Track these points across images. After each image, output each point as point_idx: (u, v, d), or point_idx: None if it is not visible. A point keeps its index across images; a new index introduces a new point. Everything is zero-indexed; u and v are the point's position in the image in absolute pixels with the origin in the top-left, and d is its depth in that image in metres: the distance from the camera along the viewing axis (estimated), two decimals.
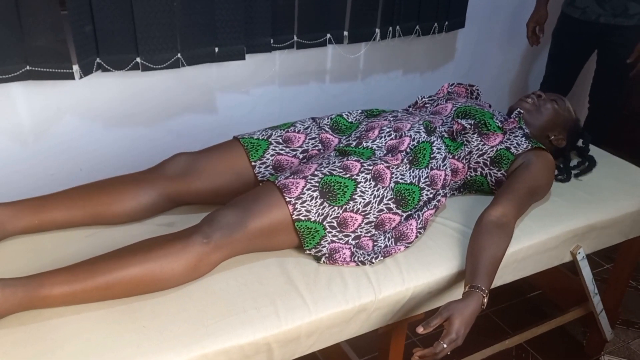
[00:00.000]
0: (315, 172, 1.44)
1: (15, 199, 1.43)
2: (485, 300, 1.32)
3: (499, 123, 1.71)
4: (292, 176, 1.43)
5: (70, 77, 1.67)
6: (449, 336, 1.24)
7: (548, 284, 2.30)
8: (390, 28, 2.28)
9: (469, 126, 1.68)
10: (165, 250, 1.27)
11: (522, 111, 1.80)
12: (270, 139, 1.61)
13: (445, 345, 1.23)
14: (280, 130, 1.64)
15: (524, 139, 1.70)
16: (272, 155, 1.59)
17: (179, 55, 1.83)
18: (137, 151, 2.02)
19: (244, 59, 1.97)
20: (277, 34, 2.04)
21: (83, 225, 1.47)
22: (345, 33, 2.20)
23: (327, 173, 1.44)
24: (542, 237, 1.61)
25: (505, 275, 1.60)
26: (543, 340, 2.12)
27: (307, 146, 1.63)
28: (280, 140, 1.61)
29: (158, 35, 1.77)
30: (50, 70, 1.65)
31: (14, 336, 1.16)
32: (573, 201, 1.75)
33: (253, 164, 1.58)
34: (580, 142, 2.01)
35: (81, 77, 1.69)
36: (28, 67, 1.63)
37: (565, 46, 2.75)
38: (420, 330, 1.24)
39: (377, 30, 2.26)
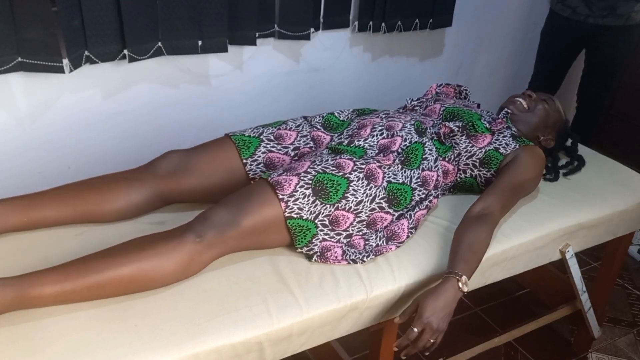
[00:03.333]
0: (308, 170, 1.43)
1: (3, 197, 1.41)
2: (460, 284, 1.33)
3: (487, 124, 1.72)
4: (285, 173, 1.43)
5: (60, 70, 1.66)
6: (419, 320, 1.27)
7: (536, 283, 2.32)
8: (371, 22, 2.29)
9: (457, 129, 1.69)
10: (157, 249, 1.27)
11: (509, 111, 1.81)
12: (261, 136, 1.61)
13: (415, 330, 1.26)
14: (272, 127, 1.64)
15: (511, 139, 1.71)
16: (263, 153, 1.59)
17: (159, 44, 1.84)
18: (126, 149, 2.01)
19: (226, 51, 1.96)
20: (261, 24, 2.05)
21: (73, 223, 1.45)
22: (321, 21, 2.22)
23: (320, 171, 1.43)
24: (531, 236, 1.62)
25: (495, 274, 1.61)
26: (532, 338, 2.13)
27: (298, 143, 1.63)
28: (272, 138, 1.61)
29: (143, 25, 1.77)
30: (41, 62, 1.64)
31: (3, 334, 1.14)
32: (562, 200, 1.77)
33: (244, 161, 1.57)
34: (569, 142, 2.02)
35: (71, 71, 1.68)
36: (20, 59, 1.62)
37: (554, 45, 2.77)
38: (396, 320, 1.26)
39: (356, 23, 2.28)
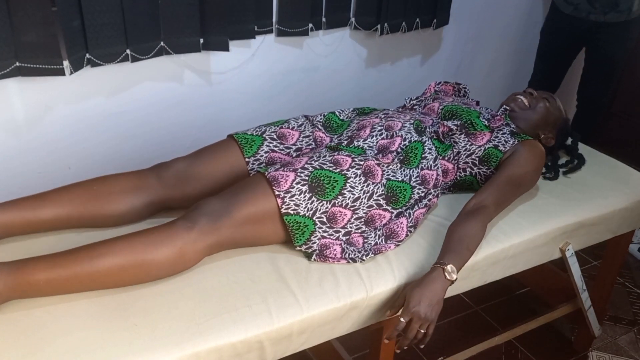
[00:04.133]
0: (306, 166, 1.44)
1: (3, 197, 1.42)
2: (447, 273, 1.33)
3: (486, 122, 1.72)
4: (282, 168, 1.43)
5: (61, 73, 1.65)
6: (406, 309, 1.28)
7: (536, 281, 2.32)
8: (379, 25, 2.28)
9: (455, 127, 1.69)
10: (150, 237, 1.27)
11: (507, 108, 1.81)
12: (264, 135, 1.61)
13: (403, 320, 1.27)
14: (274, 126, 1.64)
15: (509, 136, 1.71)
16: (265, 152, 1.59)
17: (162, 43, 1.84)
18: (126, 149, 2.01)
19: (228, 50, 1.96)
20: (259, 20, 2.05)
21: (74, 227, 1.45)
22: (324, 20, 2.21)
23: (317, 167, 1.44)
24: (531, 234, 1.62)
25: (495, 272, 1.61)
26: (532, 337, 2.13)
27: (300, 144, 1.63)
28: (275, 137, 1.61)
29: (144, 25, 1.77)
30: (41, 66, 1.63)
31: (3, 333, 1.15)
32: (562, 198, 1.77)
33: (247, 160, 1.57)
34: (569, 141, 2.02)
35: (71, 73, 1.68)
36: (18, 64, 1.61)
37: (554, 43, 2.77)
38: (387, 314, 1.26)
39: (352, 19, 2.26)
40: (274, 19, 2.09)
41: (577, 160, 1.94)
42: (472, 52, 2.84)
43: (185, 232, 1.29)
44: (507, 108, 1.80)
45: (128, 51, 1.78)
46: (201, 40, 1.92)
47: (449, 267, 1.34)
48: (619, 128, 3.24)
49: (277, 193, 1.38)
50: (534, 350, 2.15)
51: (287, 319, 1.26)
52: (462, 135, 1.69)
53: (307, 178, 1.41)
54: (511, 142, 1.68)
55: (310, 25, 2.14)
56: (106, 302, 1.23)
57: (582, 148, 2.04)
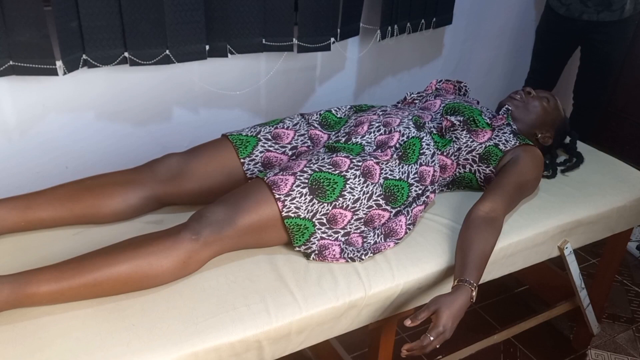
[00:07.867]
0: (305, 169, 1.43)
1: (0, 197, 1.41)
2: (474, 293, 1.32)
3: (488, 120, 1.72)
4: (281, 172, 1.42)
5: (53, 73, 1.64)
6: (436, 329, 1.25)
7: (535, 280, 2.32)
8: (389, 28, 2.27)
9: (458, 123, 1.69)
10: (154, 247, 1.27)
11: (510, 108, 1.81)
12: (259, 136, 1.60)
13: (432, 338, 1.24)
14: (269, 126, 1.64)
15: (511, 135, 1.71)
16: (261, 152, 1.59)
17: (167, 51, 1.82)
18: (123, 149, 2.00)
19: (226, 56, 1.96)
20: (270, 34, 2.00)
21: (70, 224, 1.45)
22: (335, 38, 2.18)
23: (317, 169, 1.43)
24: (530, 233, 1.62)
25: (494, 271, 1.61)
26: (531, 335, 2.13)
27: (296, 143, 1.63)
28: (269, 137, 1.61)
29: (147, 31, 1.76)
30: (34, 66, 1.62)
31: (2, 335, 1.14)
32: (561, 197, 1.77)
33: (242, 161, 1.57)
34: (567, 140, 2.02)
35: (65, 74, 1.67)
36: (11, 62, 1.60)
37: (549, 43, 2.77)
38: (407, 323, 1.25)
39: (378, 31, 2.24)
40: (295, 35, 2.03)
41: (575, 159, 1.94)
42: (470, 51, 2.84)
43: (190, 243, 1.29)
44: (509, 108, 1.80)
45: (126, 54, 1.76)
46: (207, 47, 1.90)
47: (475, 290, 1.33)
48: (617, 127, 3.25)
49: (277, 196, 1.38)
50: (532, 348, 2.15)
51: (285, 318, 1.26)
52: (464, 132, 1.69)
53: (306, 181, 1.41)
54: (512, 142, 1.68)
55: (332, 39, 2.09)
56: (104, 303, 1.23)
57: (581, 146, 2.04)
